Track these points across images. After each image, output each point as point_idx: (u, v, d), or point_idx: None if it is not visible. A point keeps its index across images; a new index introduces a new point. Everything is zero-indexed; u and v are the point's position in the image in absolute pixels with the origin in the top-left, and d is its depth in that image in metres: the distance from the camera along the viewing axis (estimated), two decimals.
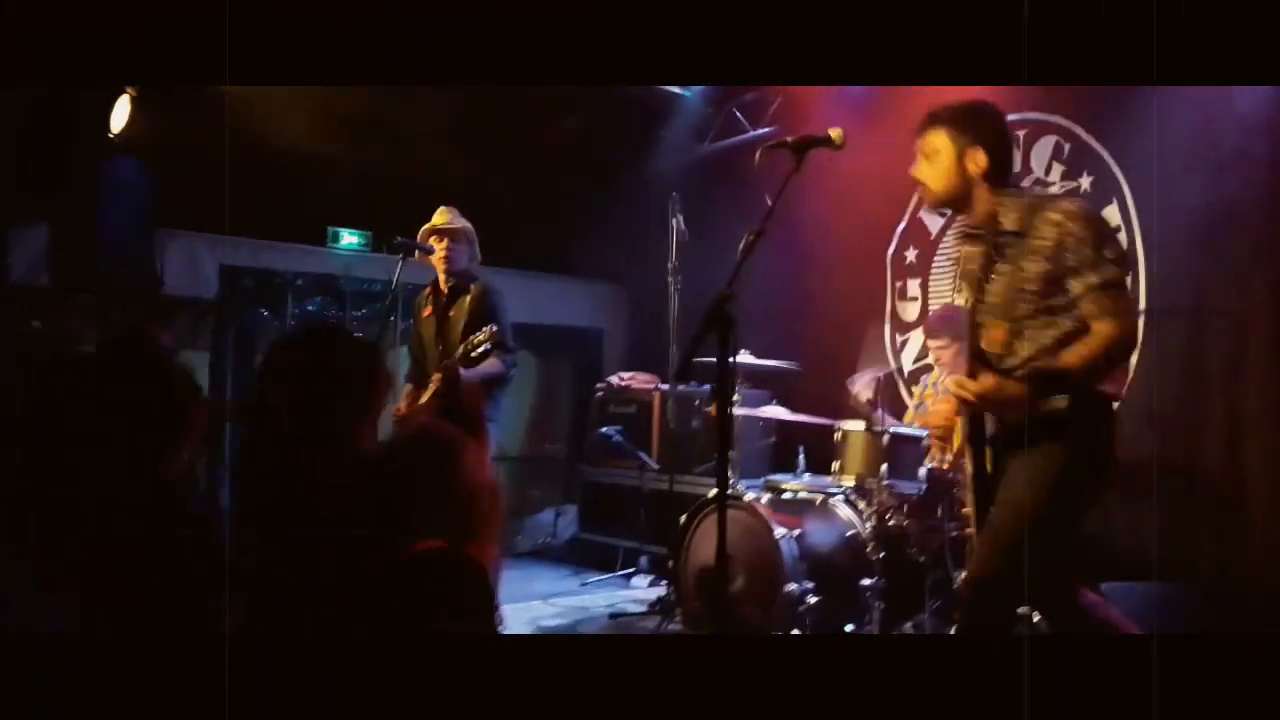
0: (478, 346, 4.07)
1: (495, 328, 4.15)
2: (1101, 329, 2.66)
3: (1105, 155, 4.82)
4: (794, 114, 6.40)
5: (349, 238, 6.61)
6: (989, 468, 2.86)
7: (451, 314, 4.63)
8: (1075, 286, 2.70)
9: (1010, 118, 5.19)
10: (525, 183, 6.82)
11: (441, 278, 4.70)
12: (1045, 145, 5.11)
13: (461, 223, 4.71)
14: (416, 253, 4.56)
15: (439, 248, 4.64)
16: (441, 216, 4.70)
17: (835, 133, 2.78)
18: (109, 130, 4.66)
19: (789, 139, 2.77)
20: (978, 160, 2.88)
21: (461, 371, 4.15)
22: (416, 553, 1.68)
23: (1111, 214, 4.78)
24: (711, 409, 5.35)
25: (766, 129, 6.64)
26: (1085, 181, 4.91)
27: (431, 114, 6.13)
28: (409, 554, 1.68)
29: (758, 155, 2.77)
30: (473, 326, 4.38)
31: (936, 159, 2.96)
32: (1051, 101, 5.04)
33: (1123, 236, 4.73)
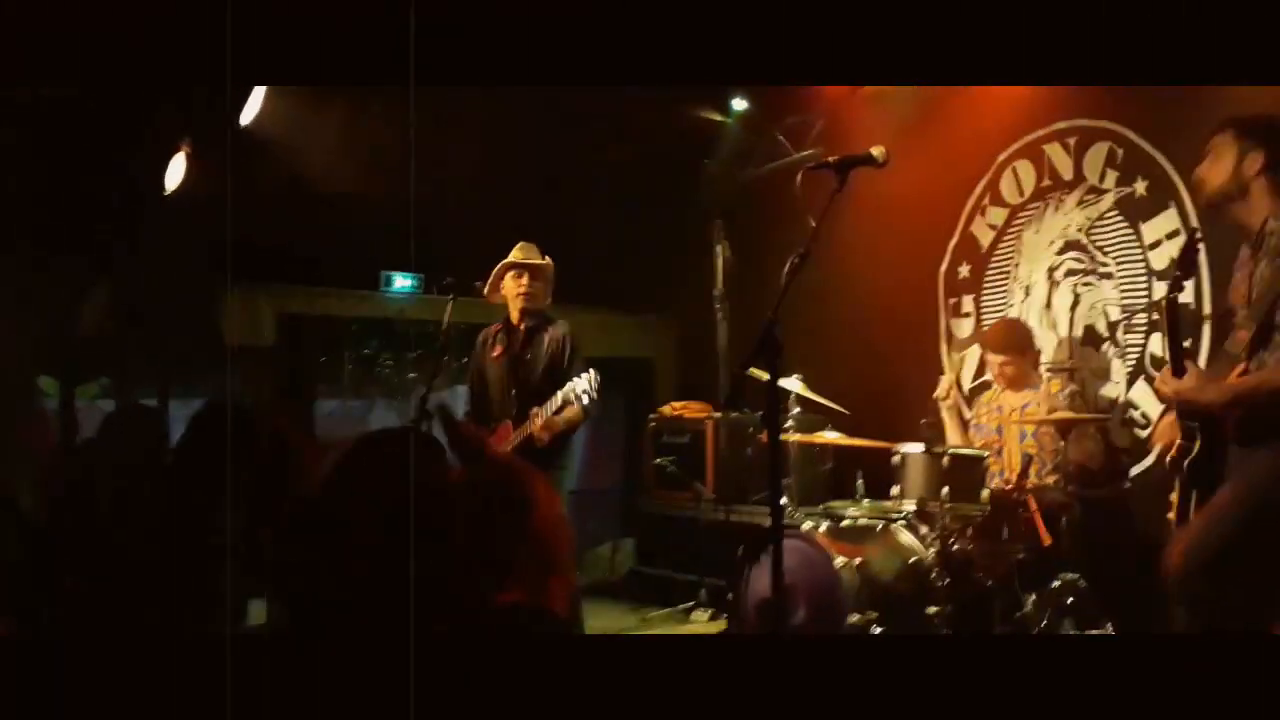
0: (579, 396, 4.07)
1: (592, 379, 4.13)
2: None
3: (1160, 159, 4.68)
4: (837, 135, 6.33)
5: (401, 281, 6.66)
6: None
7: (529, 355, 4.55)
8: None
9: (1059, 125, 5.15)
10: (569, 216, 6.82)
11: (515, 315, 4.62)
12: (1098, 151, 4.98)
13: (543, 259, 4.65)
14: (483, 292, 4.55)
15: (517, 285, 4.58)
16: (521, 251, 4.64)
17: (878, 150, 2.72)
18: (164, 188, 4.76)
19: (831, 159, 2.71)
20: (1256, 162, 3.00)
21: (549, 417, 4.17)
22: (501, 605, 1.58)
23: (1170, 219, 4.64)
24: (764, 436, 5.27)
25: (809, 151, 6.59)
26: (1140, 186, 4.78)
27: (475, 150, 6.16)
28: (493, 606, 1.58)
29: (799, 177, 2.72)
30: (555, 368, 4.37)
31: (1219, 158, 3.10)
32: (1102, 106, 4.93)
33: (1181, 241, 4.57)
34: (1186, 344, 4.54)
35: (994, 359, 4.80)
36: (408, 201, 5.97)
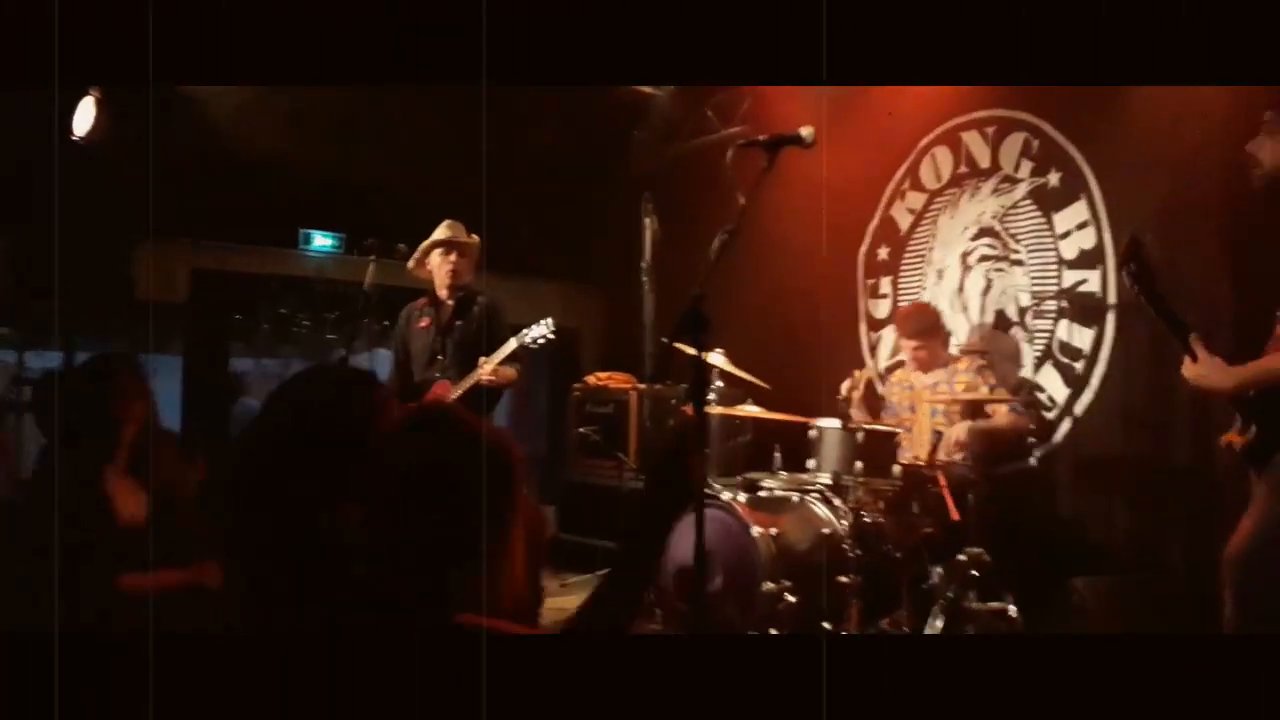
0: (536, 341, 4.14)
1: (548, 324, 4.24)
2: None
3: (1074, 152, 4.81)
4: (765, 112, 6.36)
5: (321, 240, 6.52)
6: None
7: (458, 324, 4.63)
8: None
9: (978, 114, 5.25)
10: (497, 184, 6.74)
11: (444, 291, 4.68)
12: (1014, 141, 5.10)
13: (471, 238, 4.70)
14: (406, 255, 4.54)
15: (445, 262, 4.64)
16: (448, 229, 4.69)
17: (806, 131, 2.73)
18: (72, 132, 4.55)
19: (761, 137, 2.71)
20: None
21: (487, 379, 4.21)
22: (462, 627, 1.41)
23: (1079, 211, 4.78)
24: (688, 408, 5.29)
25: (737, 127, 6.60)
26: (1054, 178, 4.91)
27: (402, 114, 6.05)
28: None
29: (729, 153, 2.73)
30: (482, 340, 4.42)
31: (1273, 135, 3.15)
32: (1020, 98, 5.05)
33: (1090, 233, 4.73)
34: (1092, 330, 4.71)
35: (906, 344, 4.91)
36: (326, 160, 5.89)
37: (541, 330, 4.19)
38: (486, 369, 4.35)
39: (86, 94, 4.53)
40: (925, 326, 4.86)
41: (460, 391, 4.44)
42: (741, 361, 4.83)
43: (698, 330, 2.58)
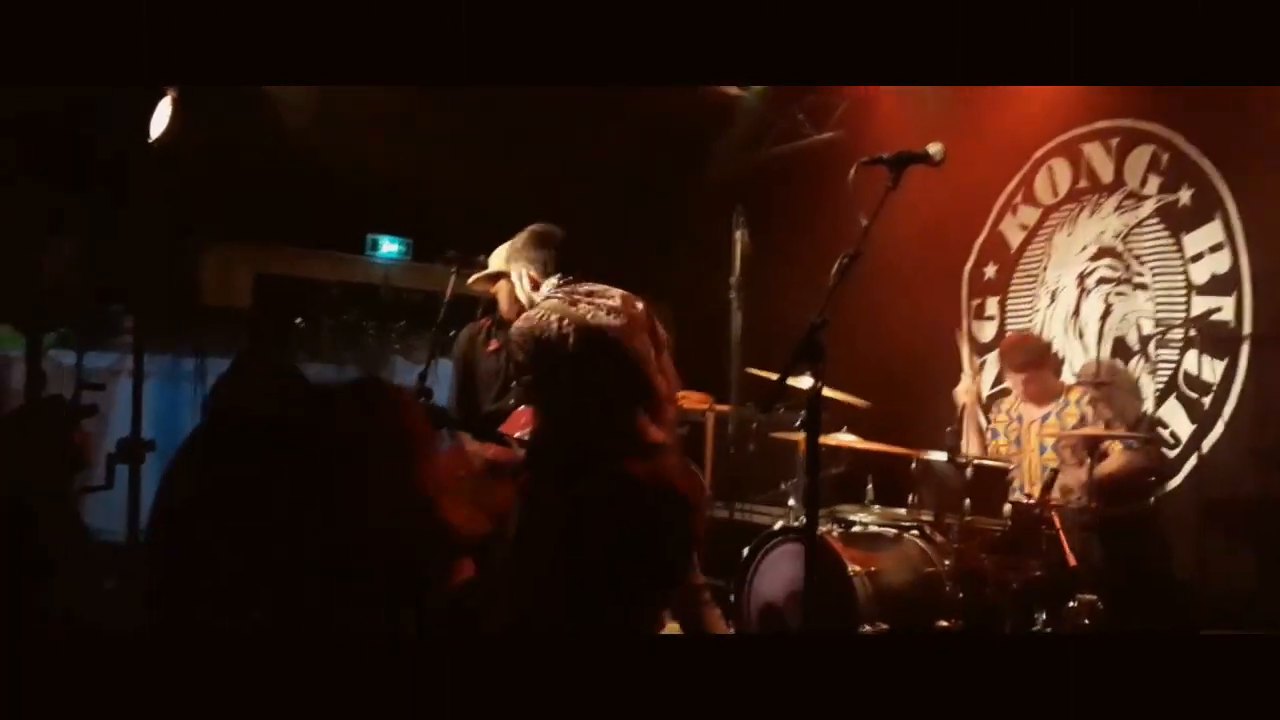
0: None
1: None
2: None
3: (1207, 167, 4.74)
4: (861, 118, 6.35)
5: (388, 245, 6.64)
6: None
7: None
8: None
9: (1101, 124, 5.20)
10: (570, 190, 6.82)
11: (512, 314, 4.67)
12: (1141, 154, 5.04)
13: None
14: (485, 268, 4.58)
15: (508, 286, 4.64)
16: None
17: (935, 148, 2.76)
18: (148, 135, 4.70)
19: (885, 155, 2.74)
20: None
21: None
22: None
23: (1213, 232, 4.71)
24: (781, 435, 5.27)
25: (830, 134, 6.61)
26: (1184, 195, 4.84)
27: (475, 116, 6.16)
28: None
29: (851, 172, 2.75)
30: None
31: None
32: (1148, 107, 4.98)
33: (1224, 256, 4.66)
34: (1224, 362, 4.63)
35: (1014, 378, 4.89)
36: (394, 163, 6.01)
37: None
38: None
39: (164, 94, 4.68)
40: (1033, 358, 4.83)
41: None
42: (835, 385, 4.83)
43: (816, 359, 2.62)
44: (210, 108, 5.03)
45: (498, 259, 4.72)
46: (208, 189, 5.30)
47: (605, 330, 3.39)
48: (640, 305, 3.56)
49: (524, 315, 3.47)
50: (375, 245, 6.60)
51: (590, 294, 3.48)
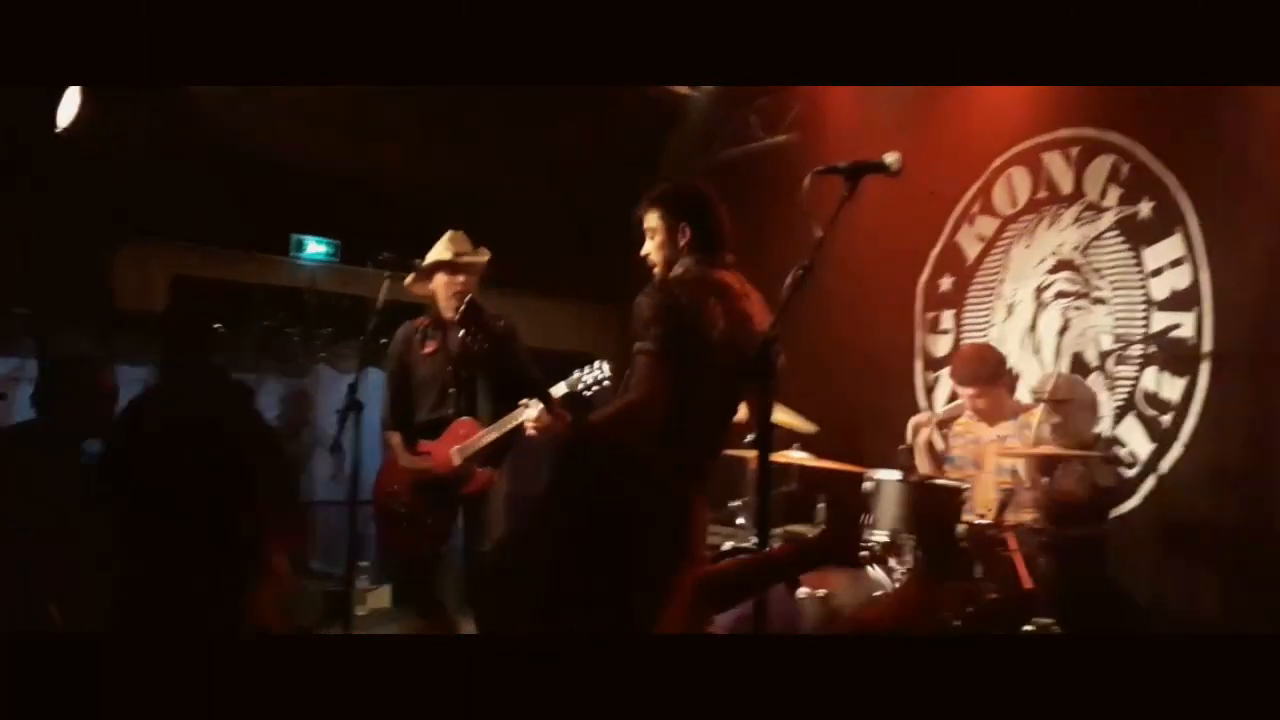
0: (590, 387, 4.09)
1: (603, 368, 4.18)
2: None
3: (1170, 179, 4.84)
4: (815, 121, 6.41)
5: (315, 246, 6.57)
6: None
7: (475, 349, 4.63)
8: None
9: (1062, 133, 5.29)
10: (510, 192, 6.80)
11: (449, 310, 4.69)
12: (1101, 165, 5.12)
13: (480, 253, 4.74)
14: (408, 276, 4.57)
15: (452, 283, 4.66)
16: (453, 245, 4.71)
17: (891, 157, 2.77)
18: (54, 126, 4.62)
19: (840, 164, 2.76)
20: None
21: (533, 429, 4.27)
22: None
23: (1174, 246, 4.80)
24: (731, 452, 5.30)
25: (783, 137, 6.66)
26: (1145, 208, 4.93)
27: (408, 113, 6.12)
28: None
29: (806, 181, 2.76)
30: (505, 364, 4.52)
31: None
32: (1110, 116, 5.06)
33: (1185, 271, 4.75)
34: (1183, 380, 4.73)
35: (962, 391, 4.93)
36: (322, 159, 5.95)
37: (596, 374, 4.16)
38: (531, 414, 4.29)
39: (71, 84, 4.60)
40: (985, 372, 4.86)
41: (496, 436, 4.46)
42: (786, 401, 4.86)
43: (767, 375, 2.63)
44: (122, 96, 4.95)
45: (435, 251, 4.71)
46: (120, 183, 5.21)
47: (751, 324, 3.27)
48: (768, 315, 3.39)
49: (668, 276, 3.34)
50: (301, 246, 6.51)
51: (734, 279, 3.37)
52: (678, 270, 3.36)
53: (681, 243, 3.39)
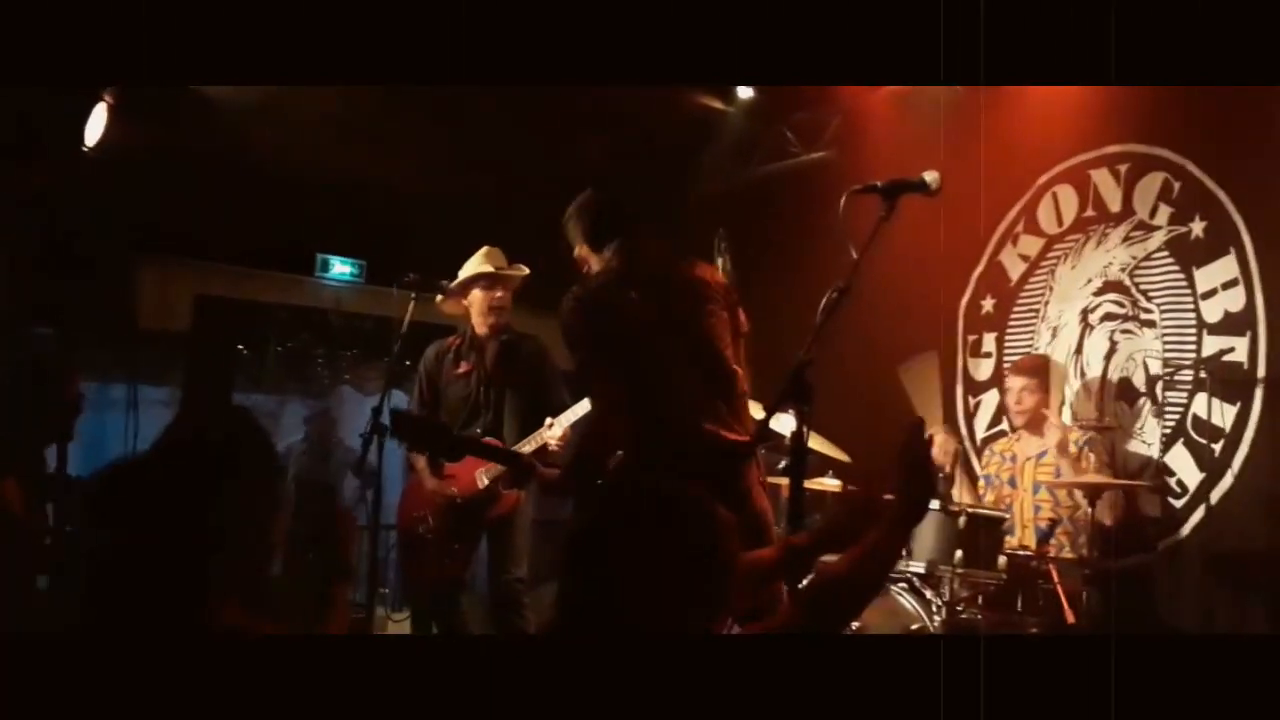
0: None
1: None
2: None
3: (1222, 197, 4.80)
4: (853, 137, 6.41)
5: (340, 266, 6.64)
6: None
7: (505, 373, 4.69)
8: None
9: (1110, 149, 5.26)
10: (538, 211, 6.82)
11: (484, 328, 4.73)
12: (1151, 182, 5.09)
13: (517, 269, 4.76)
14: (440, 294, 4.61)
15: (489, 297, 4.68)
16: (490, 259, 4.73)
17: (931, 176, 2.79)
18: (83, 142, 4.72)
19: (878, 183, 2.77)
20: None
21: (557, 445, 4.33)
22: None
23: (1227, 267, 4.76)
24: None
25: (821, 153, 6.66)
26: (1197, 227, 4.89)
27: (435, 131, 6.18)
28: None
29: (842, 201, 2.77)
30: (537, 388, 4.58)
31: None
32: (1160, 131, 5.03)
33: (1239, 293, 4.72)
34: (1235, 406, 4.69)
35: (1015, 382, 4.96)
36: (353, 176, 6.01)
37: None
38: (556, 433, 4.37)
39: (99, 100, 4.69)
40: (1043, 375, 5.00)
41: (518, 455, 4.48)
42: (820, 426, 4.86)
43: (802, 400, 2.64)
44: (150, 114, 5.04)
45: (472, 265, 4.75)
46: (145, 201, 5.29)
47: (671, 298, 3.22)
48: (719, 277, 3.43)
49: (576, 285, 3.29)
50: (326, 266, 6.59)
51: (656, 259, 3.34)
52: (589, 279, 3.34)
53: (580, 251, 3.43)
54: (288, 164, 5.81)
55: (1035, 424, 4.89)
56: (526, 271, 4.77)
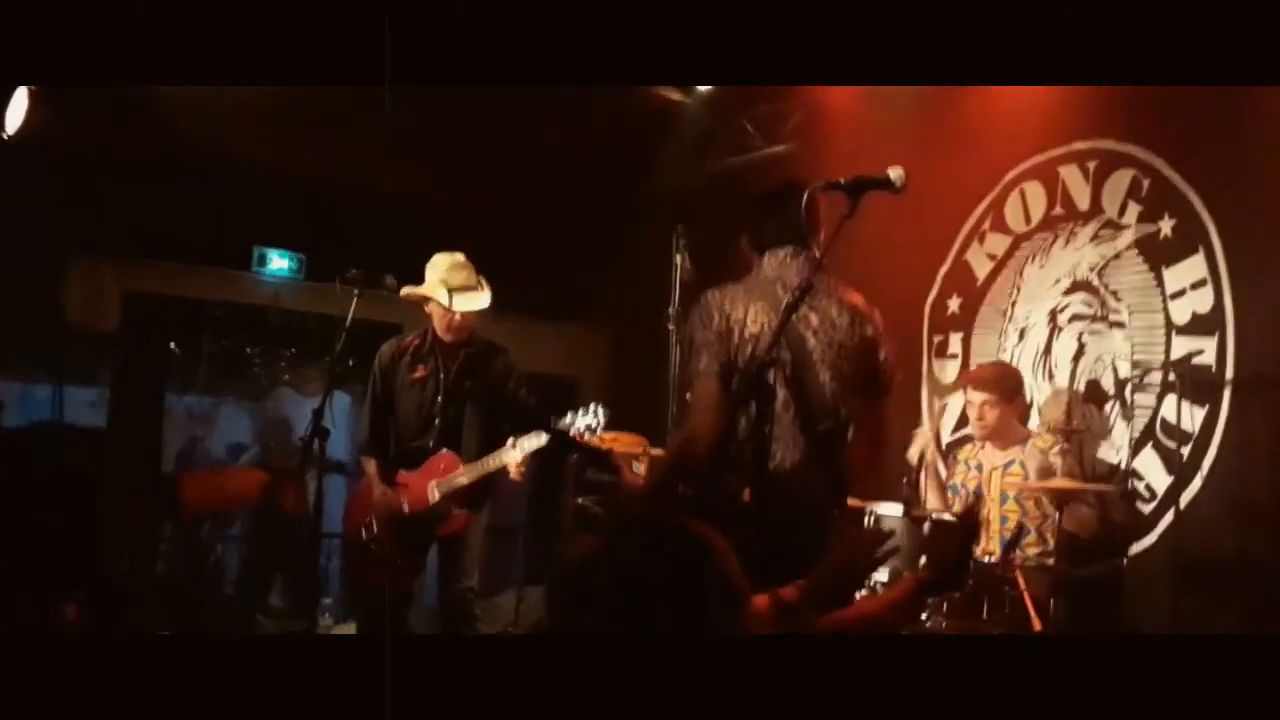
0: (583, 432, 4.13)
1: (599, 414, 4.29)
2: None
3: (1192, 196, 4.87)
4: (815, 132, 6.45)
5: (278, 261, 6.57)
6: None
7: (468, 383, 4.67)
8: None
9: (1079, 144, 5.32)
10: (490, 205, 6.81)
11: (446, 336, 4.70)
12: (1120, 179, 5.15)
13: (484, 297, 4.72)
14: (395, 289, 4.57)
15: (447, 316, 4.65)
16: (457, 276, 4.68)
17: (895, 173, 2.80)
18: (3, 129, 4.63)
19: (841, 180, 2.79)
20: None
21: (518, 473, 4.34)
22: None
23: (1195, 266, 4.84)
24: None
25: (781, 147, 6.69)
26: (1166, 226, 4.95)
27: (380, 119, 6.13)
28: None
29: (805, 197, 2.80)
30: (499, 400, 4.59)
31: None
32: (1129, 128, 5.09)
33: (1207, 294, 4.79)
34: (1204, 409, 4.76)
35: (975, 396, 4.95)
36: (291, 166, 5.96)
37: (590, 419, 4.19)
38: (516, 457, 4.35)
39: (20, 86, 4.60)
40: (1003, 385, 4.91)
41: (476, 476, 4.49)
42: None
43: (762, 401, 2.66)
44: (74, 100, 4.96)
45: (433, 278, 4.69)
46: (70, 193, 5.21)
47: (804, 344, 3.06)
48: (872, 327, 3.25)
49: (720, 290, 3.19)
50: (263, 260, 6.53)
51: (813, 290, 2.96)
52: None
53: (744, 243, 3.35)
54: (221, 153, 5.74)
55: (1000, 435, 4.92)
56: (486, 304, 4.72)
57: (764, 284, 3.13)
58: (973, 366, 5.67)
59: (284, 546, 6.14)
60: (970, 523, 2.33)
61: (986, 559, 4.54)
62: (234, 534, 6.73)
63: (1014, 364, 5.44)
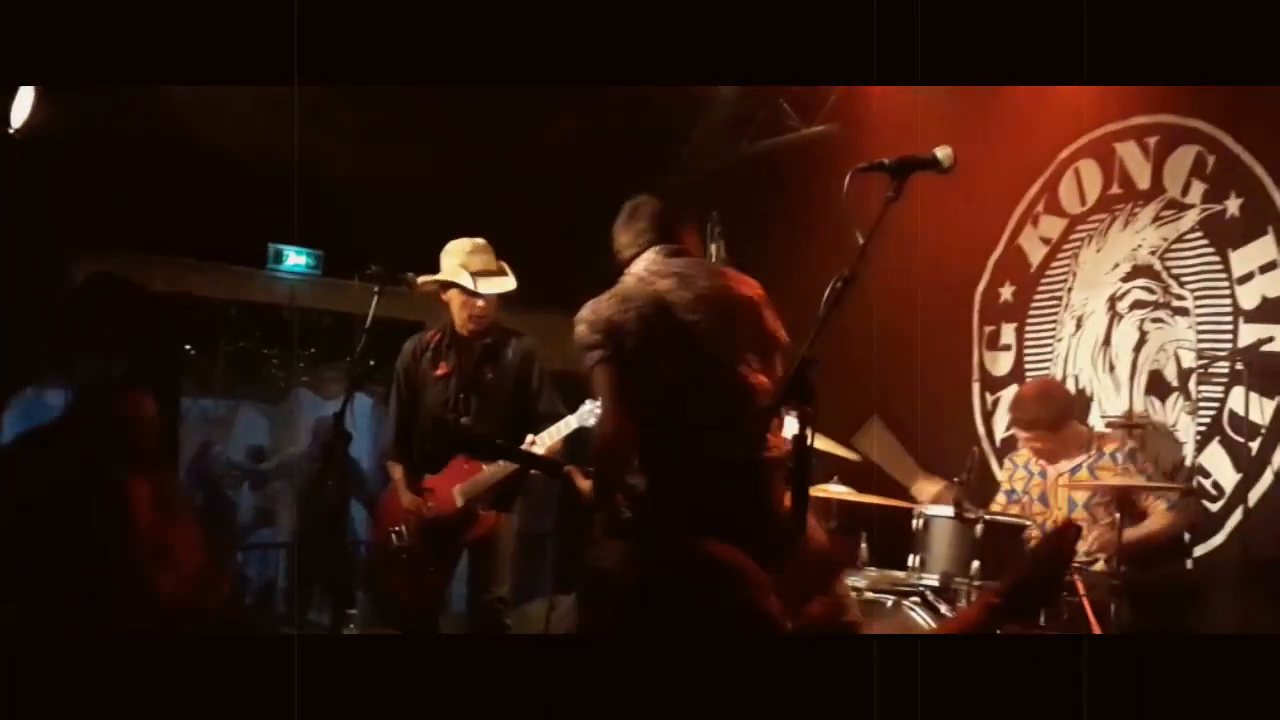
0: None
1: None
2: None
3: (1260, 173, 4.81)
4: (856, 110, 6.40)
5: (295, 258, 6.61)
6: None
7: (490, 376, 4.68)
8: None
9: (1137, 120, 5.27)
10: (518, 190, 6.82)
11: (465, 326, 4.71)
12: (1183, 157, 5.10)
13: (504, 285, 4.73)
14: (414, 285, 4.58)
15: (468, 304, 4.65)
16: (478, 258, 4.70)
17: (943, 152, 2.78)
18: (8, 126, 4.69)
19: (886, 160, 2.77)
20: None
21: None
22: None
23: (1265, 248, 4.78)
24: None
25: (820, 127, 6.66)
26: (1233, 205, 4.90)
27: (398, 112, 6.16)
28: None
29: (846, 180, 2.77)
30: (523, 393, 4.61)
31: None
32: (1192, 102, 5.02)
33: (1278, 276, 4.73)
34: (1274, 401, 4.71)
35: (1023, 435, 4.99)
36: (308, 160, 5.98)
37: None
38: (538, 451, 4.36)
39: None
40: (1049, 415, 4.90)
41: (500, 476, 4.50)
42: (826, 429, 4.86)
43: (804, 400, 2.64)
44: (81, 96, 5.00)
45: (451, 262, 4.71)
46: (81, 190, 5.26)
47: (672, 311, 3.28)
48: (749, 290, 3.45)
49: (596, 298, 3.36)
50: (279, 257, 6.56)
51: (682, 271, 3.38)
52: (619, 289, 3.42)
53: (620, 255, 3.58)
54: (235, 148, 5.78)
55: (1058, 455, 4.91)
56: (512, 287, 4.73)
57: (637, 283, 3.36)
58: (1027, 359, 5.64)
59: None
60: (1070, 536, 2.30)
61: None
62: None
63: (1070, 357, 5.41)
